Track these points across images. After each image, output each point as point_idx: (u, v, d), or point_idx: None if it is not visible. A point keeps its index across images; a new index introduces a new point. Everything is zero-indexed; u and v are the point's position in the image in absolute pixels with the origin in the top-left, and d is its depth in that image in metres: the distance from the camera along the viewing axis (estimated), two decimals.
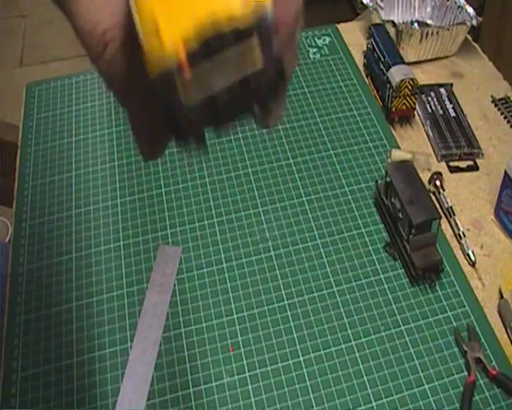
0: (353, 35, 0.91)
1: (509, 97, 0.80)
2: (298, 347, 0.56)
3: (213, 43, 0.16)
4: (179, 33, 0.15)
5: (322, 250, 0.64)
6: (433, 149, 0.74)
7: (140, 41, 0.16)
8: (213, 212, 0.68)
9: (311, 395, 0.53)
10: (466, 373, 0.54)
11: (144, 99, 0.22)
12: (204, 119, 0.18)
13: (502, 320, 0.58)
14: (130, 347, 0.57)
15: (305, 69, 0.84)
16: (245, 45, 0.16)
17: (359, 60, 0.86)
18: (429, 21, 0.90)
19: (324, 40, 0.89)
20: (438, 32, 0.83)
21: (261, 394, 0.54)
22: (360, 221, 0.66)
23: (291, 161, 0.73)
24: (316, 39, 0.89)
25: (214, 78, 0.17)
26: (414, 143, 0.75)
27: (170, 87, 0.16)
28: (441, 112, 0.78)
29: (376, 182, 0.67)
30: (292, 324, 0.58)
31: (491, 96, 0.81)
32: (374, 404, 0.53)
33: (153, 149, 0.26)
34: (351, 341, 0.57)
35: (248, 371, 0.55)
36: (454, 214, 0.66)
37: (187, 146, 0.19)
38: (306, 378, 0.54)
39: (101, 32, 0.23)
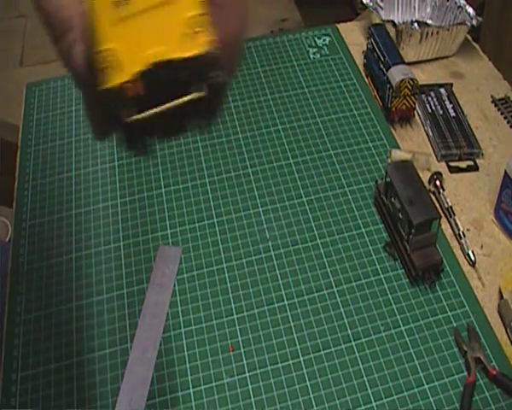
0: (353, 35, 0.91)
1: (508, 97, 0.80)
2: (298, 347, 0.56)
3: (155, 77, 0.18)
4: (129, 65, 0.18)
5: (322, 250, 0.64)
6: (433, 149, 0.74)
7: (95, 52, 0.18)
8: (213, 212, 0.68)
9: (311, 395, 0.53)
10: (466, 373, 0.54)
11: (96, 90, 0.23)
12: (140, 134, 0.19)
13: (502, 320, 0.58)
14: (130, 347, 0.57)
15: (305, 69, 0.84)
16: (184, 79, 0.19)
17: (359, 60, 0.86)
18: (429, 21, 0.90)
19: (324, 40, 0.89)
20: (438, 32, 0.83)
21: (261, 394, 0.54)
22: (360, 221, 0.66)
23: (291, 160, 0.73)
24: (316, 39, 0.89)
25: (155, 103, 0.19)
26: (414, 143, 0.75)
27: (114, 103, 0.18)
28: (441, 112, 0.78)
29: (376, 182, 0.67)
30: (292, 324, 0.58)
31: (491, 96, 0.81)
32: (374, 404, 0.53)
33: (101, 132, 0.27)
34: (351, 341, 0.57)
35: (248, 372, 0.55)
36: (454, 214, 0.66)
37: (131, 149, 0.21)
38: (306, 378, 0.54)
39: (66, 16, 0.24)
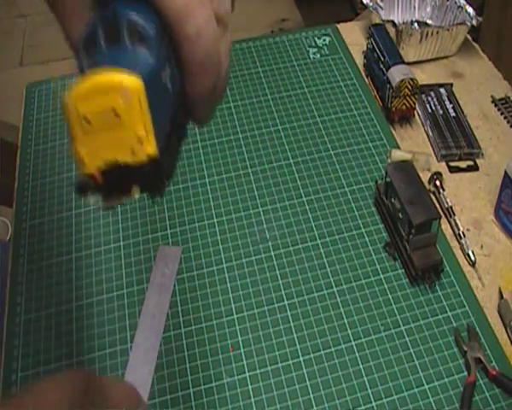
0: (353, 35, 0.91)
1: (508, 97, 0.80)
2: (298, 347, 0.56)
3: (110, 173, 0.25)
4: (90, 162, 0.25)
5: (322, 250, 0.64)
6: (433, 149, 0.74)
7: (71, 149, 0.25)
8: (213, 212, 0.68)
9: (311, 396, 0.53)
10: (466, 373, 0.54)
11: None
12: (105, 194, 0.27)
13: (502, 320, 0.58)
14: (130, 347, 0.57)
15: (305, 69, 0.84)
16: (132, 179, 0.25)
17: (359, 60, 0.86)
18: (429, 21, 0.90)
19: (324, 40, 0.89)
20: (438, 32, 0.83)
21: (261, 394, 0.54)
22: (360, 221, 0.66)
23: (291, 160, 0.73)
24: (316, 39, 0.89)
25: (114, 190, 0.26)
26: (414, 143, 0.75)
27: (85, 186, 0.26)
28: (441, 112, 0.78)
29: (376, 182, 0.67)
30: (292, 324, 0.58)
31: (491, 96, 0.81)
32: (374, 404, 0.53)
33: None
34: (351, 341, 0.57)
35: (248, 372, 0.55)
36: (454, 214, 0.66)
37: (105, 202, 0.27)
38: (306, 378, 0.54)
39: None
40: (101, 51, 0.26)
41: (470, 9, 0.85)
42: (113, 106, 0.24)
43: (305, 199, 0.69)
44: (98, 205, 0.26)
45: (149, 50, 0.26)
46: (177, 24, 0.26)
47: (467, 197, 0.69)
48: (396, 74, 0.73)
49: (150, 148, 0.25)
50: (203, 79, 0.28)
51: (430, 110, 0.78)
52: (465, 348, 0.55)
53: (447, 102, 0.79)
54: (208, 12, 0.27)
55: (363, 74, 0.84)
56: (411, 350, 0.56)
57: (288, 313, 0.59)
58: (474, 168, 0.72)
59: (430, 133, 0.76)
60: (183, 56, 0.27)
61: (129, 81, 0.24)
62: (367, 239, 0.65)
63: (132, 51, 0.26)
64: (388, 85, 0.74)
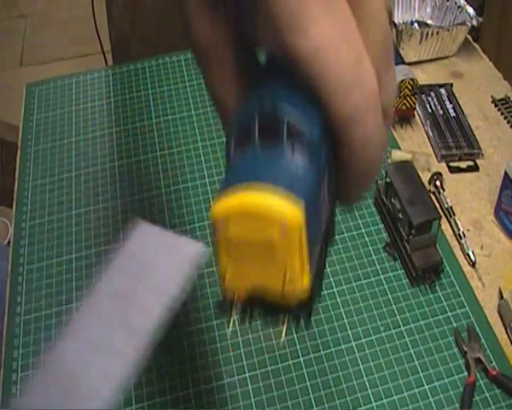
0: None
1: (509, 97, 0.80)
2: (298, 347, 0.56)
3: (252, 302, 0.22)
4: (233, 283, 0.22)
5: None
6: (433, 150, 0.74)
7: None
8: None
9: (311, 396, 0.53)
10: (466, 374, 0.54)
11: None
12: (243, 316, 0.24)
13: (502, 320, 0.58)
14: None
15: None
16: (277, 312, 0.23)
17: None
18: (429, 21, 0.90)
19: None
20: (438, 33, 0.83)
21: (261, 394, 0.54)
22: (360, 221, 0.66)
23: None
24: None
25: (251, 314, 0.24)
26: (414, 143, 0.75)
27: (226, 305, 0.23)
28: (441, 112, 0.78)
29: (376, 182, 0.67)
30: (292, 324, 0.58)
31: (491, 96, 0.81)
32: (374, 404, 0.53)
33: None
34: (351, 341, 0.57)
35: (248, 372, 0.55)
36: (454, 214, 0.66)
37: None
38: (306, 378, 0.54)
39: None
40: (254, 151, 0.21)
41: (470, 9, 0.85)
42: (267, 239, 0.20)
43: None
44: (237, 325, 0.23)
45: (310, 158, 0.21)
46: (343, 130, 0.22)
47: (467, 197, 0.69)
48: (396, 74, 0.73)
49: (303, 289, 0.21)
50: (363, 185, 0.24)
51: (430, 110, 0.78)
52: (465, 349, 0.55)
53: (447, 103, 0.79)
54: (379, 115, 0.22)
55: None
56: (411, 350, 0.56)
57: None
58: (474, 169, 0.72)
59: (430, 133, 0.76)
60: (344, 164, 0.23)
61: (290, 213, 0.19)
62: (367, 239, 0.65)
63: (290, 157, 0.21)
64: None
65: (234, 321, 0.23)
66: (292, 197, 0.20)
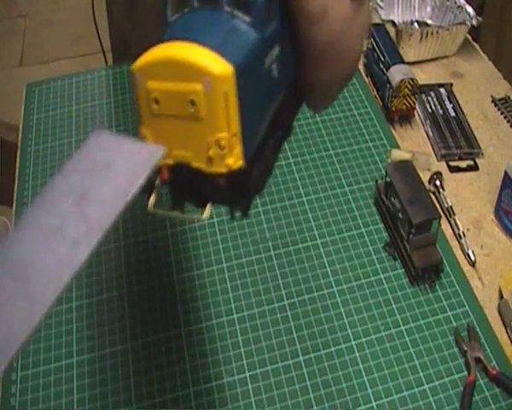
0: None
1: (509, 97, 0.80)
2: (298, 346, 0.56)
3: (178, 175, 0.21)
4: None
5: (322, 250, 0.64)
6: (433, 149, 0.74)
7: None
8: (213, 212, 0.68)
9: (311, 395, 0.53)
10: (466, 373, 0.54)
11: None
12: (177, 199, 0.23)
13: (502, 320, 0.58)
14: (131, 346, 0.57)
15: None
16: (205, 189, 0.21)
17: None
18: (429, 21, 0.90)
19: None
20: (438, 32, 0.83)
21: (261, 394, 0.54)
22: (360, 221, 0.66)
23: (291, 160, 0.73)
24: None
25: (182, 193, 0.22)
26: (414, 143, 0.75)
27: (148, 182, 0.22)
28: (441, 112, 0.78)
29: (376, 182, 0.67)
30: (292, 323, 0.58)
31: (491, 96, 0.81)
32: (374, 404, 0.53)
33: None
34: (351, 341, 0.57)
35: (248, 371, 0.55)
36: (454, 214, 0.66)
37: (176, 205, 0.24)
38: (306, 378, 0.54)
39: None
40: (191, 13, 0.20)
41: (470, 9, 0.85)
42: (189, 92, 0.18)
43: (305, 199, 0.69)
44: (158, 208, 0.21)
45: (253, 23, 0.20)
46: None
47: (467, 197, 0.69)
48: (396, 74, 0.73)
49: (232, 158, 0.19)
50: (326, 66, 0.22)
51: (430, 110, 0.78)
52: (465, 348, 0.55)
53: (447, 102, 0.79)
54: None
55: (363, 74, 0.84)
56: (411, 350, 0.56)
57: (288, 313, 0.59)
58: (474, 168, 0.72)
59: (430, 133, 0.76)
60: (303, 38, 0.21)
61: (216, 66, 0.18)
62: (367, 239, 0.65)
63: (229, 19, 0.20)
64: (388, 85, 0.74)
65: (155, 201, 0.21)
66: (221, 57, 0.18)
